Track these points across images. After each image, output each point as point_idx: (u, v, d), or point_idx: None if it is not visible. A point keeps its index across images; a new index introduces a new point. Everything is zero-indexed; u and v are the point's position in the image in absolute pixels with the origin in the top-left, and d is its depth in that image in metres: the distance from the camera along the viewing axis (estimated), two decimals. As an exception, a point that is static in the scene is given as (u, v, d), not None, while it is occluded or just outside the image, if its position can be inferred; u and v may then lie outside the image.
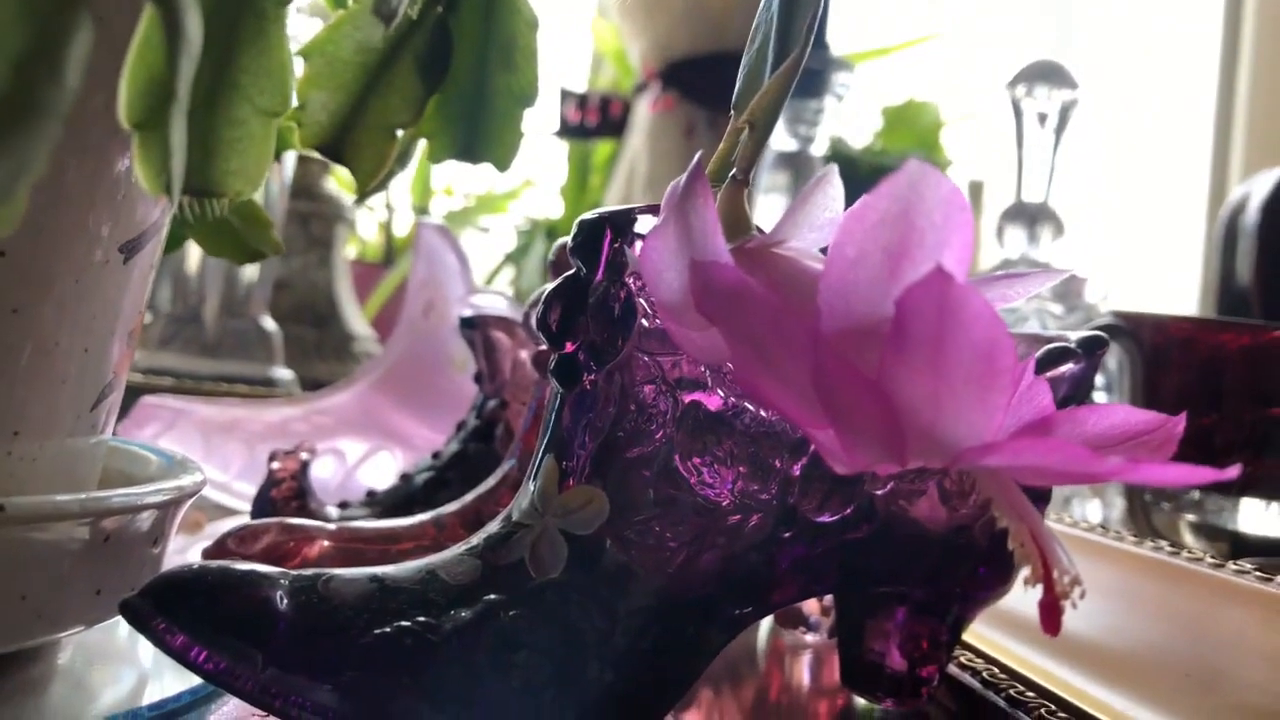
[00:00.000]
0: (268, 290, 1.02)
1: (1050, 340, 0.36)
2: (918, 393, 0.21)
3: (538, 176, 2.08)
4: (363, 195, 0.44)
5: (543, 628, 0.28)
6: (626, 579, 0.29)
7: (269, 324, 1.00)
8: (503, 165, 0.41)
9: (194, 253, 0.97)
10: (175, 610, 0.26)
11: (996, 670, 0.37)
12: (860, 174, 1.45)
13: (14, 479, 0.28)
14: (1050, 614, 0.22)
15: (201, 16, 0.20)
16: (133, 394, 0.61)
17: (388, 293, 1.64)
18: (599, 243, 0.30)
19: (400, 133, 0.42)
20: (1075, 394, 0.35)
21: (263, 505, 0.46)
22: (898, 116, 1.77)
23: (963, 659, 0.39)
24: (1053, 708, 0.34)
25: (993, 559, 0.34)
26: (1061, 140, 0.86)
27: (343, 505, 0.49)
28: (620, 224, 0.30)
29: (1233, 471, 0.20)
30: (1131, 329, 0.56)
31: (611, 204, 1.60)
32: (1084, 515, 0.63)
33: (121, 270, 0.30)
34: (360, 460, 0.58)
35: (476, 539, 0.30)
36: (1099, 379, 0.70)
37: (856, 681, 0.36)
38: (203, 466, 0.57)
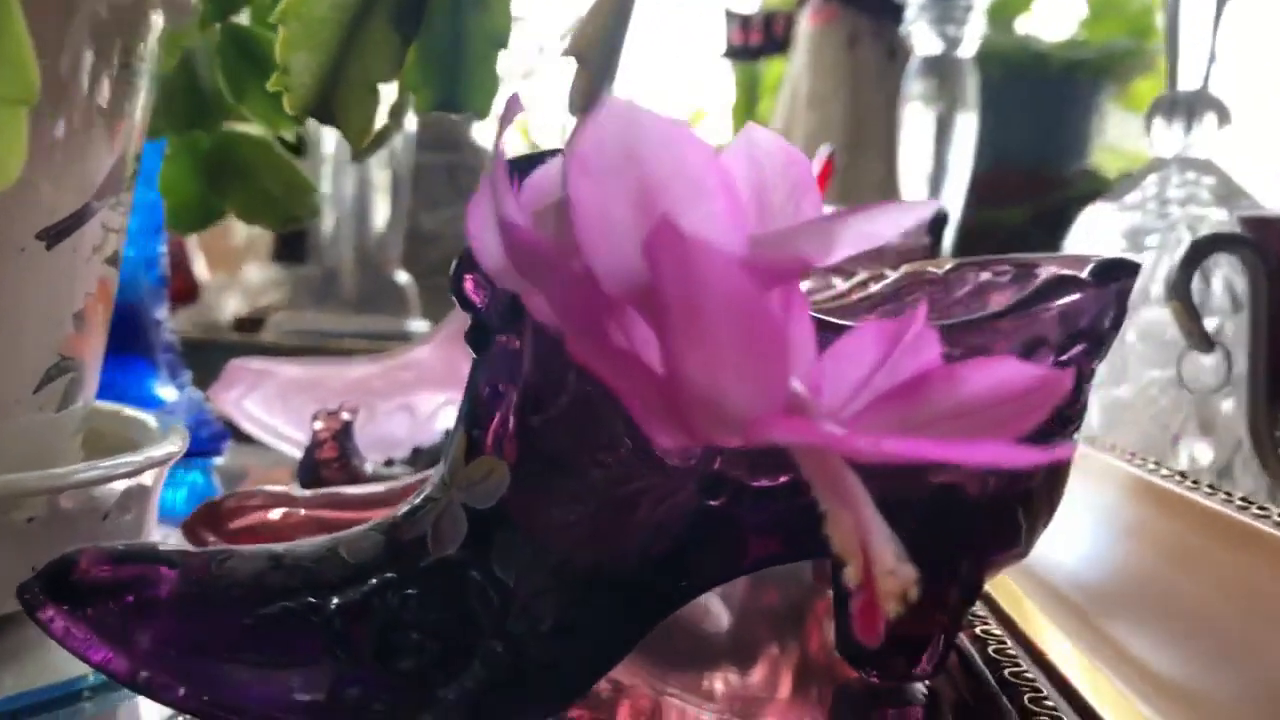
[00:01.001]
0: (399, 244, 1.04)
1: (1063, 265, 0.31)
2: (689, 361, 0.18)
3: (709, 104, 2.04)
4: (358, 154, 0.43)
5: (434, 608, 0.27)
6: (526, 555, 0.27)
7: (402, 278, 1.03)
8: (484, 112, 0.40)
9: (329, 214, 1.00)
10: (60, 595, 0.26)
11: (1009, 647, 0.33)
12: (1051, 72, 1.33)
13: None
14: (867, 618, 0.19)
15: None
16: (269, 354, 0.64)
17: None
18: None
19: (386, 87, 0.41)
20: (1095, 328, 0.30)
21: (306, 467, 0.47)
22: (1107, 2, 1.61)
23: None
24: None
25: (991, 513, 0.30)
26: (1223, 14, 0.75)
27: (388, 463, 0.50)
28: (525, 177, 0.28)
29: (1066, 450, 0.17)
30: (1256, 237, 0.49)
31: (777, 126, 1.54)
32: (1192, 456, 0.55)
33: (45, 257, 0.30)
34: (432, 413, 0.58)
35: (392, 514, 0.29)
36: (1224, 297, 0.62)
37: (848, 652, 0.33)
38: (279, 426, 0.60)
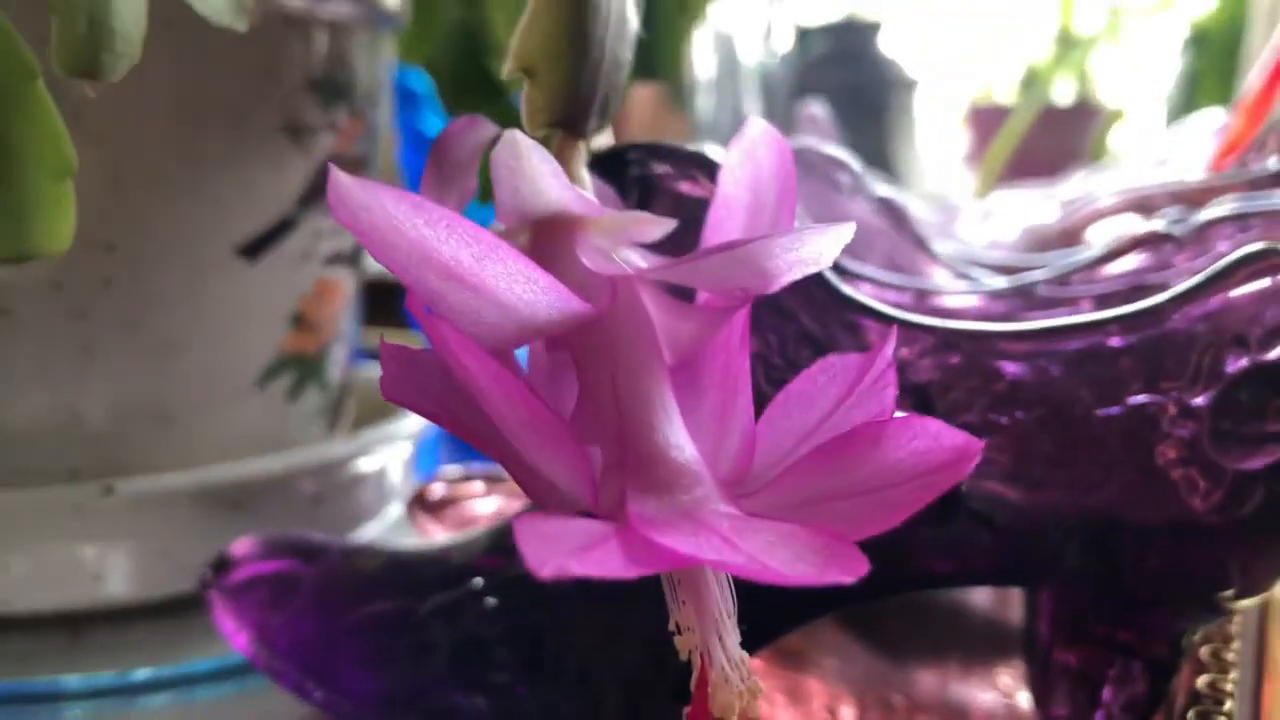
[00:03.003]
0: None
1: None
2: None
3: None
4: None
5: (509, 619, 0.27)
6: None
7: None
8: (675, 79, 0.38)
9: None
10: (222, 581, 0.30)
11: None
12: None
13: (181, 448, 0.34)
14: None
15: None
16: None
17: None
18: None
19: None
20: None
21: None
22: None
23: None
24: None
25: (1234, 537, 0.24)
26: None
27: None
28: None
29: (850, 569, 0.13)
30: None
31: None
32: None
33: (246, 270, 0.34)
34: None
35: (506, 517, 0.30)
36: None
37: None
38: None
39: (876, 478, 0.16)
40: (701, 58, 0.95)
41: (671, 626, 0.16)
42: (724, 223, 0.20)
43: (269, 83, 0.33)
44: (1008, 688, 0.31)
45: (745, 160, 0.20)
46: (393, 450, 0.39)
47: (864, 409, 0.18)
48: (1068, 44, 1.33)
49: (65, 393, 0.32)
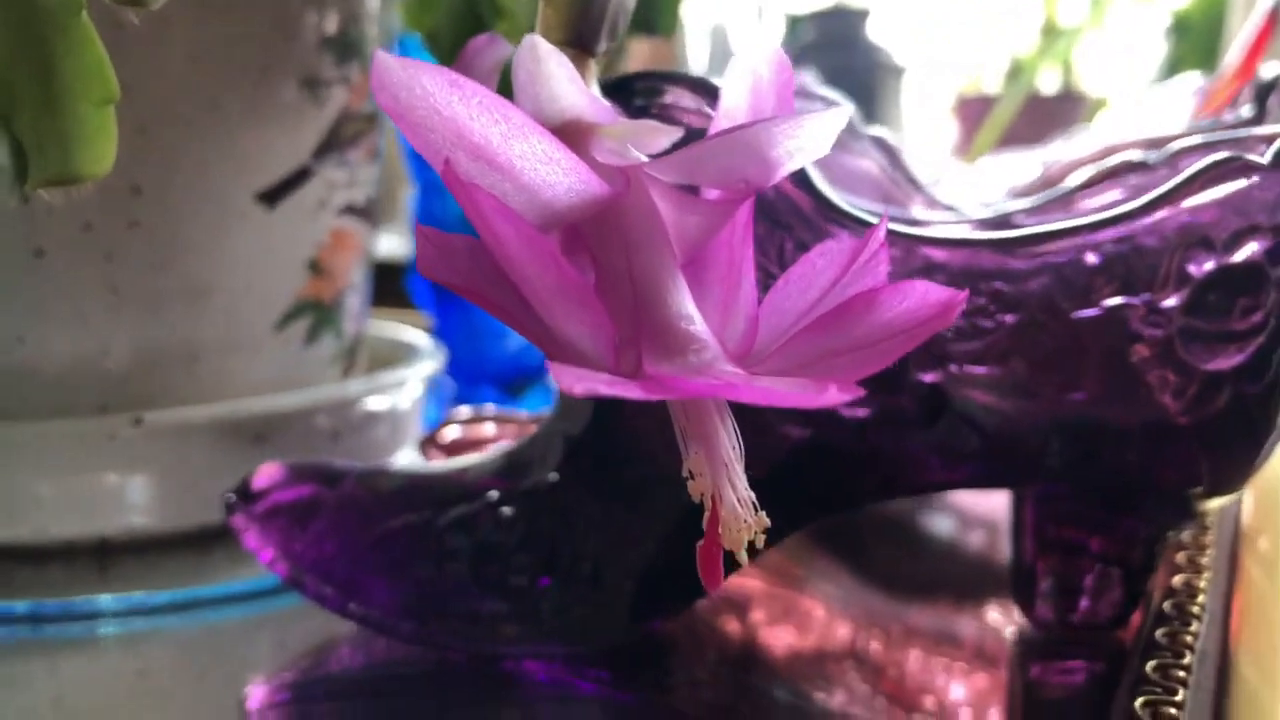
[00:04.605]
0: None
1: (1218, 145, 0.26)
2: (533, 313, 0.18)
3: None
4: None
5: (525, 527, 0.28)
6: (616, 479, 0.28)
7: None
8: (669, 31, 0.40)
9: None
10: (247, 504, 0.31)
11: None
12: None
13: (205, 387, 0.36)
14: (708, 563, 0.17)
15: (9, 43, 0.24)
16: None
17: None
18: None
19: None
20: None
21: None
22: None
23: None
24: None
25: (1152, 443, 0.26)
26: None
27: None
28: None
29: (846, 392, 0.15)
30: None
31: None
32: None
33: (266, 217, 0.36)
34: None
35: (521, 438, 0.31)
36: None
37: (1016, 596, 0.30)
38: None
39: (872, 335, 0.18)
40: (695, 47, 0.97)
41: (685, 473, 0.18)
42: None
43: (287, 38, 0.35)
44: (996, 621, 0.33)
45: (746, 73, 0.22)
46: (405, 391, 0.40)
47: (858, 285, 0.19)
48: (1052, 34, 1.36)
49: (94, 331, 0.34)
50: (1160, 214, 0.25)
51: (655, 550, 0.27)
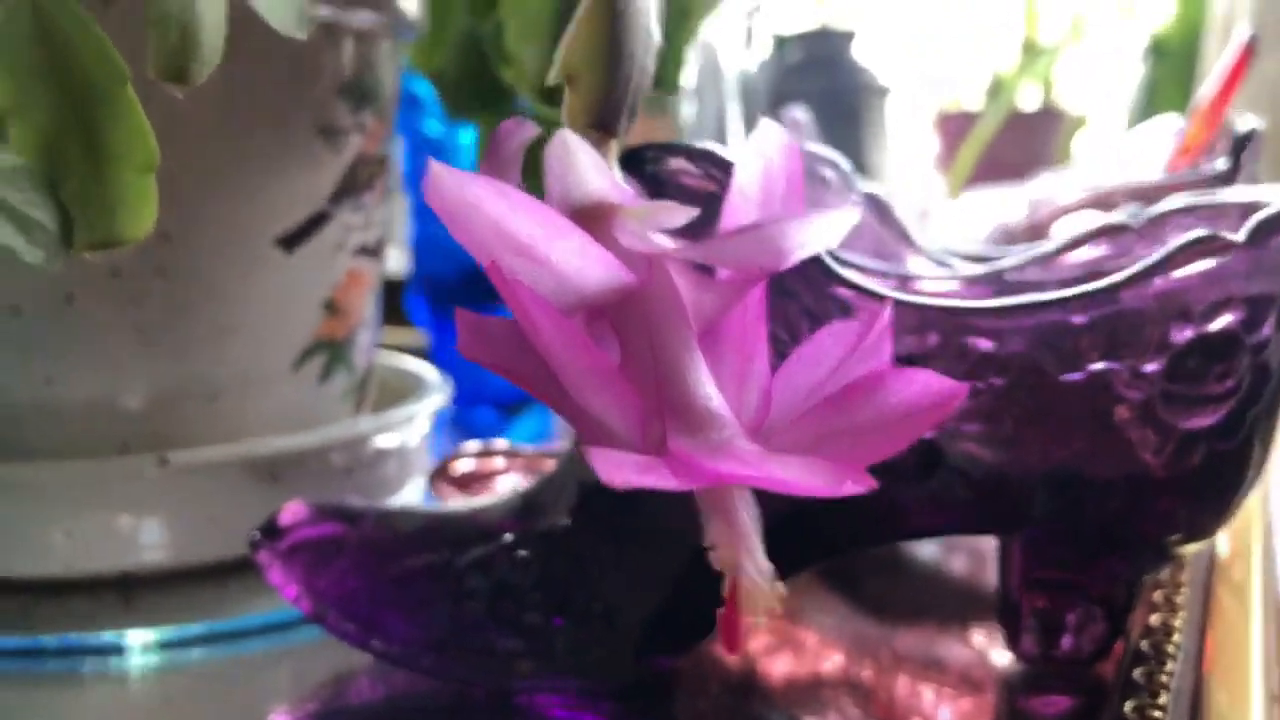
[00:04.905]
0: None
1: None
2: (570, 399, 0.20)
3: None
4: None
5: (540, 569, 0.30)
6: (630, 525, 0.29)
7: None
8: (673, 89, 0.41)
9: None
10: (274, 544, 0.32)
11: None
12: None
13: (222, 425, 0.37)
14: (728, 631, 0.19)
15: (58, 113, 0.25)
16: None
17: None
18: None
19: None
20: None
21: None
22: None
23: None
24: None
25: (1182, 488, 0.27)
26: None
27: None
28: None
29: (861, 484, 0.16)
30: None
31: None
32: None
33: (285, 260, 0.37)
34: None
35: (536, 481, 0.33)
36: None
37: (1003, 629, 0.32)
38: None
39: (877, 418, 0.19)
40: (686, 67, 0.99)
41: (707, 543, 0.20)
42: (739, 209, 0.23)
43: (305, 87, 0.36)
44: (981, 645, 0.34)
45: (757, 157, 0.24)
46: (414, 427, 0.42)
47: (864, 366, 0.21)
48: (1033, 52, 1.38)
49: (120, 373, 0.35)
50: (1143, 287, 0.26)
51: (665, 593, 0.29)
